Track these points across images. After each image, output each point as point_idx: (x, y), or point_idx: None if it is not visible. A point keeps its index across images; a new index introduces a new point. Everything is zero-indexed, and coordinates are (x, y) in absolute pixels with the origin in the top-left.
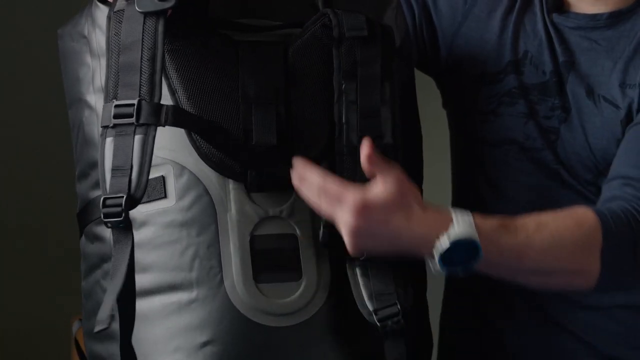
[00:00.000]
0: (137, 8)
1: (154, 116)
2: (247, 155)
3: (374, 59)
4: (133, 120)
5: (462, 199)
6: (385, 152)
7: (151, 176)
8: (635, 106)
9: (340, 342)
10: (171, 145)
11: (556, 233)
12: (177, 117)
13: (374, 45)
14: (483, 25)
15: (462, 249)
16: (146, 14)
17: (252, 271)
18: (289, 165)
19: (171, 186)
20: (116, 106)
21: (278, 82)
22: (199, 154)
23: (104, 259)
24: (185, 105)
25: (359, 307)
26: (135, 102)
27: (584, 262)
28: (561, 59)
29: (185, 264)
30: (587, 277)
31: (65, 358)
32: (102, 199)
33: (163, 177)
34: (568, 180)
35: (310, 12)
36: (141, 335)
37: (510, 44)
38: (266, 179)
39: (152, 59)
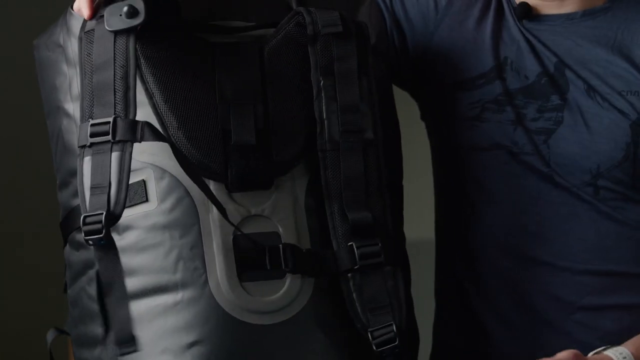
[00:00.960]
0: (106, 27)
1: (130, 132)
2: (226, 155)
3: (350, 55)
4: (109, 137)
5: (450, 206)
6: (366, 147)
7: (132, 180)
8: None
9: (327, 338)
10: (151, 149)
11: None
12: (153, 132)
13: (350, 41)
14: (456, 33)
15: None
16: (116, 32)
17: (237, 270)
18: (269, 164)
19: (152, 190)
20: (92, 125)
21: (255, 81)
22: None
23: (89, 265)
24: (163, 108)
25: (353, 318)
26: (110, 120)
27: None
28: (548, 61)
29: (169, 266)
30: None
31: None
32: (82, 217)
33: (144, 181)
34: (561, 182)
35: (283, 11)
36: None
37: (489, 50)
38: (246, 178)
39: (125, 77)
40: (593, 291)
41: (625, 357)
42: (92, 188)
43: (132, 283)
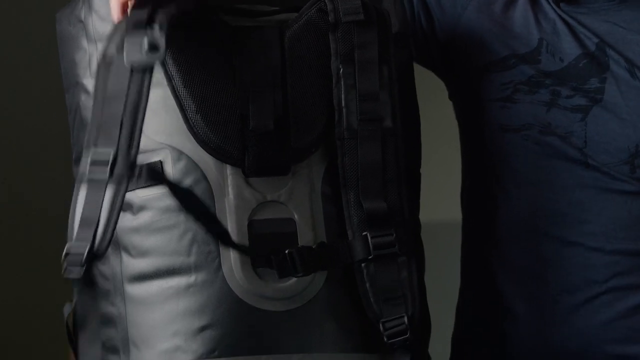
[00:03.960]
0: (125, 59)
1: (128, 172)
2: (244, 141)
3: (371, 43)
4: (107, 172)
5: (478, 187)
6: (384, 136)
7: (149, 160)
8: None
9: (339, 326)
10: (169, 130)
11: None
12: (150, 175)
13: (371, 29)
14: (485, 15)
15: None
16: (133, 68)
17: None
18: (286, 150)
19: (169, 171)
20: (93, 155)
21: (274, 67)
22: (196, 140)
23: None
24: (182, 91)
25: (365, 307)
26: (111, 155)
27: None
28: (590, 41)
29: (183, 248)
30: None
31: (60, 345)
32: (65, 248)
33: (161, 162)
34: (593, 163)
35: None
36: (139, 320)
37: (522, 32)
38: (264, 163)
39: (135, 113)
40: (623, 271)
41: None
42: (82, 219)
43: (144, 264)
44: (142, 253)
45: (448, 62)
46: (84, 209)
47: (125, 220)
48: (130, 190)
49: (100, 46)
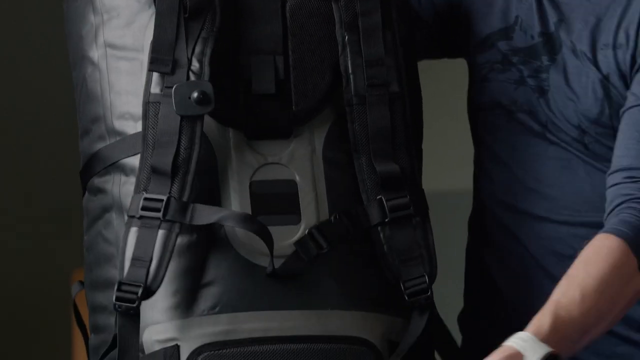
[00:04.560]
0: (175, 111)
1: (181, 215)
2: (246, 104)
3: (374, 9)
4: (160, 215)
5: (475, 168)
6: (391, 100)
7: None
8: (615, 68)
9: (340, 284)
10: None
11: (602, 289)
12: (202, 214)
13: None
14: None
15: None
16: (184, 116)
17: (251, 215)
18: (288, 114)
19: None
20: (145, 199)
21: (276, 34)
22: None
23: (106, 209)
24: None
25: (383, 269)
26: (164, 198)
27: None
28: (551, 19)
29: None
30: None
31: (66, 315)
32: (117, 282)
33: None
34: (553, 139)
35: None
36: None
37: (501, 9)
38: (265, 126)
39: (188, 160)
40: None
41: (525, 340)
42: (133, 259)
43: None
44: None
45: (452, 48)
46: (135, 249)
47: (129, 184)
48: (134, 155)
49: (106, 17)
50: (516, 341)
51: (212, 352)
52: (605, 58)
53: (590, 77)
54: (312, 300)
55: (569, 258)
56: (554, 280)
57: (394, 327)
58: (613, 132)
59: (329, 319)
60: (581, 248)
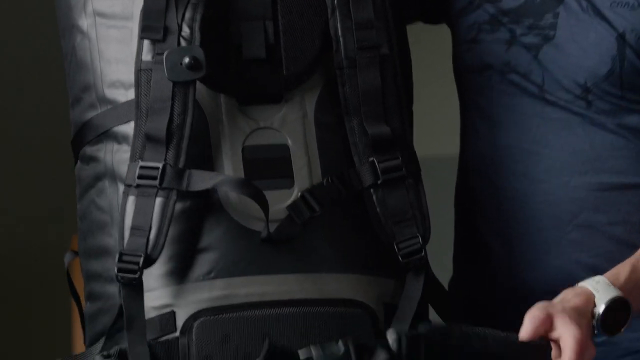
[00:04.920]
0: (167, 77)
1: (177, 181)
2: (237, 70)
3: None
4: (156, 183)
5: (464, 130)
6: (382, 63)
7: None
8: (631, 27)
9: (335, 247)
10: None
11: None
12: (198, 181)
13: None
14: None
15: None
16: (176, 82)
17: (247, 180)
18: (279, 78)
19: None
20: (141, 167)
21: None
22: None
23: (99, 177)
24: None
25: (377, 231)
26: (160, 166)
27: None
28: None
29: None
30: None
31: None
32: (118, 253)
33: None
34: (552, 98)
35: None
36: None
37: None
38: (256, 91)
39: (182, 126)
40: (588, 207)
41: (598, 282)
42: (132, 229)
43: None
44: None
45: (439, 14)
46: (133, 218)
47: (122, 152)
48: (126, 122)
49: None
50: (589, 282)
51: (208, 317)
52: (621, 16)
53: (599, 33)
54: (307, 264)
55: (565, 223)
56: (551, 243)
57: (389, 289)
58: (621, 90)
59: (324, 283)
60: (578, 211)
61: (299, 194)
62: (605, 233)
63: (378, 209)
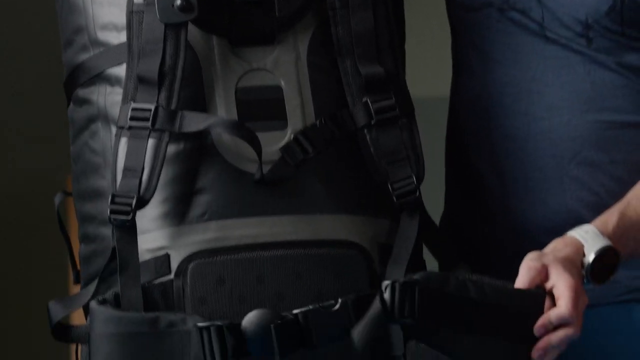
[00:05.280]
0: (158, 19)
1: (169, 123)
2: (230, 11)
3: None
4: (148, 125)
5: (457, 70)
6: (375, 3)
7: None
8: None
9: (329, 188)
10: None
11: None
12: (190, 123)
13: None
14: None
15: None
16: (167, 24)
17: (240, 121)
18: (272, 20)
19: None
20: (133, 109)
21: None
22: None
23: (92, 119)
24: None
25: (371, 171)
26: (152, 107)
27: None
28: None
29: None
30: None
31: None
32: (110, 195)
33: None
34: (552, 36)
35: None
36: None
37: None
38: (249, 33)
39: (174, 68)
40: (589, 145)
41: (587, 232)
42: (125, 170)
43: None
44: None
45: None
46: (126, 159)
47: (115, 94)
48: (119, 65)
49: None
50: (578, 232)
51: (203, 259)
52: None
53: None
54: (300, 205)
55: (565, 161)
56: (552, 181)
57: (383, 230)
58: (622, 26)
59: (318, 224)
60: (579, 150)
61: (292, 135)
62: (607, 171)
63: (372, 149)
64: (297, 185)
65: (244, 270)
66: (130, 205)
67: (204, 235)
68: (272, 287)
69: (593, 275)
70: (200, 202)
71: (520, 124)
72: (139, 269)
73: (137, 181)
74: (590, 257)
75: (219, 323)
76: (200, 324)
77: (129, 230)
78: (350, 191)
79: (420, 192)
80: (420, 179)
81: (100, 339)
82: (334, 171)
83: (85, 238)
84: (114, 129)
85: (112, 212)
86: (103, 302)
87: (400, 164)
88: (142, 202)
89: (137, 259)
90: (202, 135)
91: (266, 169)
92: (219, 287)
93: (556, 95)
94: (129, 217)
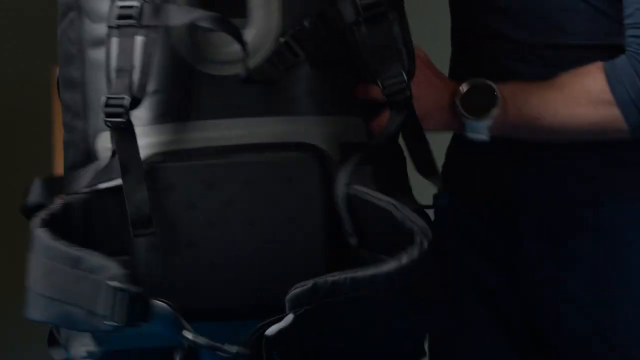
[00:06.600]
0: None
1: (156, 17)
2: None
3: None
4: (135, 22)
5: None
6: None
7: None
8: None
9: (304, 88)
10: None
11: (569, 89)
12: (176, 16)
13: None
14: None
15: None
16: None
17: (224, 16)
18: None
19: None
20: (120, 7)
21: None
22: None
23: (70, 7)
24: None
25: (361, 69)
26: (138, 4)
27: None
28: None
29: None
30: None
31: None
32: (105, 97)
33: None
34: None
35: None
36: (97, 86)
37: None
38: None
39: None
40: None
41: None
42: (117, 71)
43: (103, 29)
44: (101, 18)
45: None
46: (117, 59)
47: None
48: None
49: None
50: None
51: (157, 164)
52: None
53: None
54: (266, 107)
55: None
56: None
57: (358, 128)
58: None
59: (282, 126)
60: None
61: (256, 32)
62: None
63: (361, 46)
64: (260, 86)
65: (194, 177)
66: (124, 106)
67: (158, 137)
68: (222, 194)
69: (466, 106)
70: (157, 102)
71: (496, 45)
72: (142, 171)
73: (129, 81)
74: (464, 87)
75: (132, 289)
76: (110, 283)
77: (127, 132)
78: (330, 91)
79: (410, 91)
80: (411, 74)
81: (35, 260)
82: (316, 72)
83: (65, 125)
84: (85, 20)
85: (107, 115)
86: (48, 221)
87: (391, 60)
88: (136, 102)
89: (139, 159)
90: (161, 35)
91: (228, 69)
92: (169, 192)
93: (522, 15)
94: (124, 119)
